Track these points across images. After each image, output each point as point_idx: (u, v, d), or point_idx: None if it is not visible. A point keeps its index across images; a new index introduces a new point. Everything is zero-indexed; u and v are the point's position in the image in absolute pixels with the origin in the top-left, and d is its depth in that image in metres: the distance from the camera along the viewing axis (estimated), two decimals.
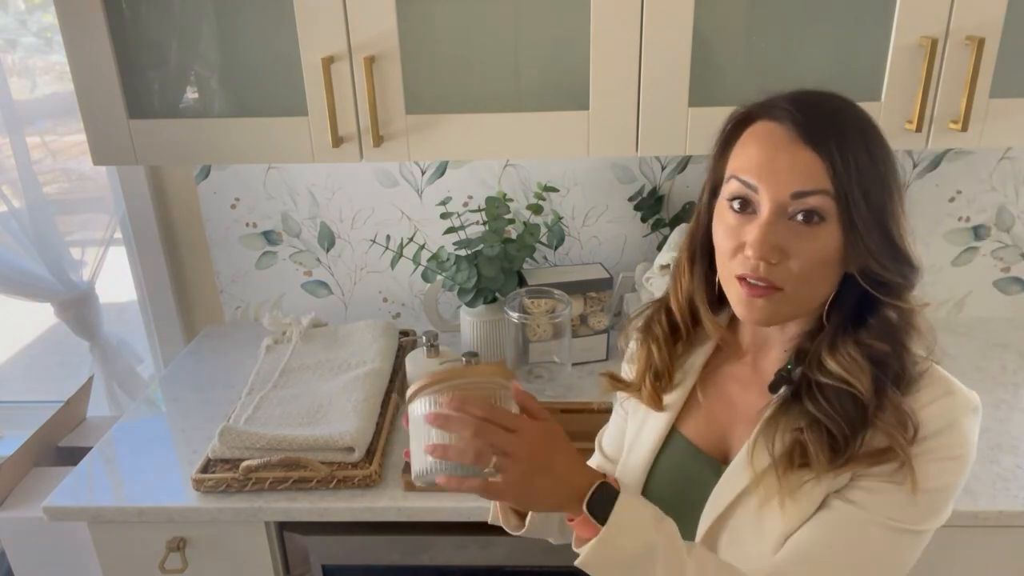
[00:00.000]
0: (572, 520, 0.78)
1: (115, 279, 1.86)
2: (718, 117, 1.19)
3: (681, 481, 0.89)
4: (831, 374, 0.78)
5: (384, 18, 1.18)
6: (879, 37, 1.16)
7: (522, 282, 1.56)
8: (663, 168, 1.63)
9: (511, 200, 1.59)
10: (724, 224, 0.80)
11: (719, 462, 0.87)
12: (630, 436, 0.96)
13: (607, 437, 1.06)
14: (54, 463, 1.73)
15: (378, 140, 1.23)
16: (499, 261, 1.47)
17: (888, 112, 1.19)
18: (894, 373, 0.77)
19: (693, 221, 0.89)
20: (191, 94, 1.28)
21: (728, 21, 1.18)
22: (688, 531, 0.85)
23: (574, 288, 1.54)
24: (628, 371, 1.00)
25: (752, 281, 0.77)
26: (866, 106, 1.17)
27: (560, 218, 1.66)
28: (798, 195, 0.74)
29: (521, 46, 1.22)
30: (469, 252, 1.52)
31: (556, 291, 1.48)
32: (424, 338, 1.47)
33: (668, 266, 1.45)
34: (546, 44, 1.21)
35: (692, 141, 1.22)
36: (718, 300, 0.87)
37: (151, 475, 1.30)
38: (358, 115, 1.23)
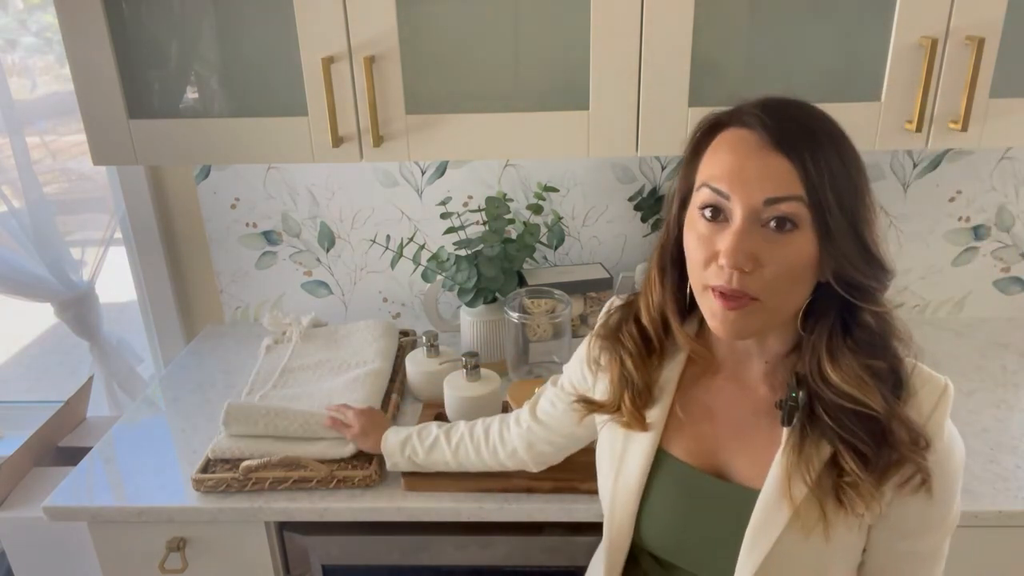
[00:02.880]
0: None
1: (115, 279, 1.86)
2: None
3: (683, 501, 0.88)
4: (841, 392, 0.78)
5: (384, 18, 1.18)
6: (879, 37, 1.16)
7: (522, 282, 1.56)
8: (663, 168, 1.63)
9: (511, 200, 1.59)
10: (696, 233, 0.78)
11: (715, 477, 0.86)
12: (613, 457, 0.93)
13: (544, 405, 1.08)
14: (54, 463, 1.73)
15: (378, 140, 1.23)
16: (499, 261, 1.47)
17: (888, 112, 1.19)
18: (891, 385, 0.79)
19: (662, 232, 0.87)
20: (191, 94, 1.28)
21: (728, 21, 1.18)
22: (712, 552, 0.86)
23: (574, 288, 1.54)
24: (583, 374, 0.99)
25: (727, 293, 0.76)
26: (866, 106, 1.19)
27: (560, 218, 1.66)
28: (771, 201, 0.73)
29: (521, 46, 1.22)
30: (469, 252, 1.52)
31: (556, 291, 1.48)
32: (424, 338, 1.47)
33: None
34: (546, 44, 1.21)
35: None
36: (688, 310, 0.87)
37: (151, 475, 1.30)
38: (358, 115, 1.23)
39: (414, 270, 1.68)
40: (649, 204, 1.62)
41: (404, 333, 1.69)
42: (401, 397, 1.48)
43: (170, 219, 1.75)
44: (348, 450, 1.25)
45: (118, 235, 1.79)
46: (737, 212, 0.75)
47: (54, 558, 1.65)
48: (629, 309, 0.92)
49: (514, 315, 1.44)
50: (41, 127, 1.87)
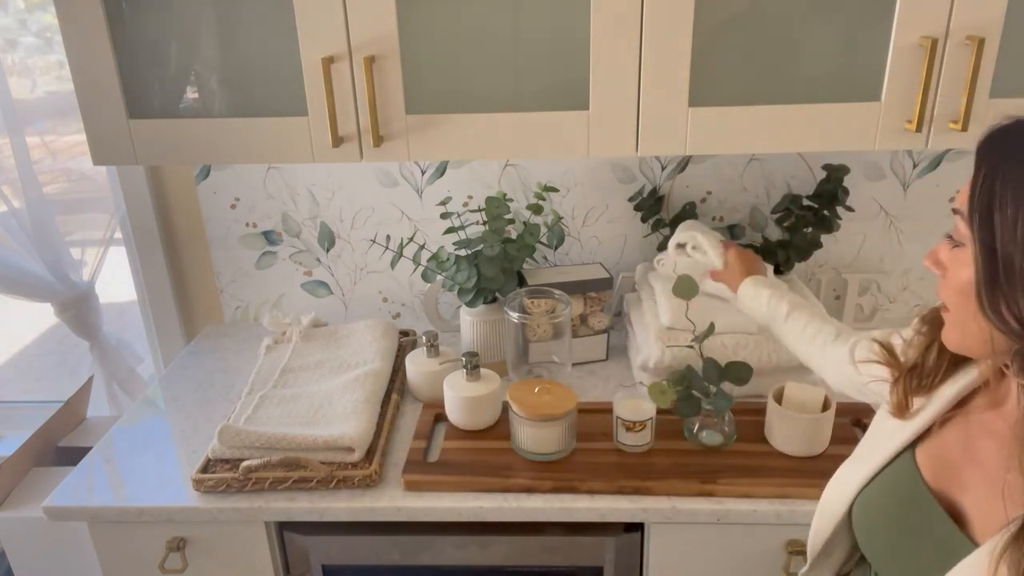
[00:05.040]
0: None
1: (115, 279, 1.86)
2: (718, 117, 1.21)
3: (898, 510, 0.82)
4: None
5: (384, 18, 1.18)
6: (879, 37, 1.16)
7: (522, 282, 1.56)
8: (663, 168, 1.63)
9: (511, 200, 1.59)
10: None
11: (941, 507, 0.78)
12: (871, 432, 0.91)
13: (863, 348, 1.03)
14: (54, 463, 1.73)
15: (378, 140, 1.23)
16: (499, 261, 1.47)
17: (888, 112, 1.19)
18: None
19: None
20: (191, 94, 1.28)
21: (728, 21, 1.18)
22: (900, 570, 0.81)
23: (574, 288, 1.54)
24: (897, 338, 0.93)
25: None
26: (866, 106, 1.19)
27: (560, 218, 1.66)
28: (953, 211, 0.72)
29: (521, 46, 1.22)
30: (469, 252, 1.51)
31: (556, 291, 1.48)
32: (424, 338, 1.47)
33: (684, 245, 1.44)
34: (546, 44, 1.21)
35: (692, 141, 1.22)
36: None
37: (151, 475, 1.30)
38: (358, 115, 1.23)
39: (414, 270, 1.68)
40: (649, 204, 1.62)
41: (404, 333, 1.69)
42: (401, 397, 1.48)
43: (170, 219, 1.75)
44: (351, 456, 1.25)
45: (118, 235, 1.79)
46: None
47: (54, 558, 1.65)
48: None
49: (514, 315, 1.44)
50: (41, 127, 1.87)
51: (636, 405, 1.27)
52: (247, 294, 1.79)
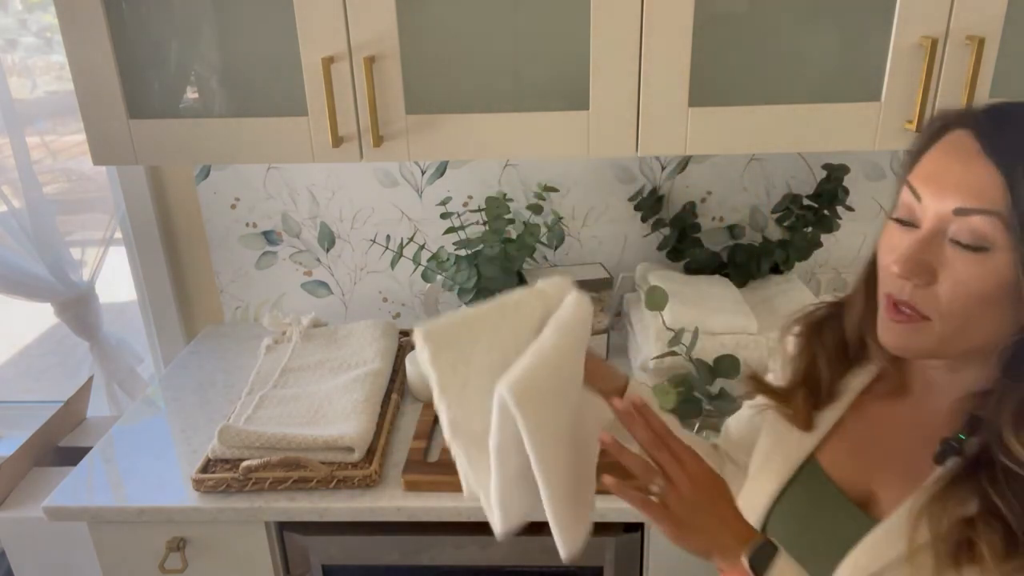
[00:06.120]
0: (723, 570, 0.75)
1: (115, 279, 1.86)
2: (718, 117, 1.21)
3: (810, 516, 0.81)
4: (1018, 461, 0.65)
5: (384, 18, 1.18)
6: (879, 37, 1.16)
7: (522, 282, 1.56)
8: (663, 168, 1.63)
9: (511, 200, 1.59)
10: (886, 237, 0.73)
11: (856, 506, 0.78)
12: (762, 453, 0.88)
13: (735, 422, 1.01)
14: (54, 463, 1.73)
15: (378, 140, 1.23)
16: (499, 261, 1.47)
17: (888, 112, 1.19)
18: None
19: (874, 241, 0.79)
20: (191, 94, 1.28)
21: (728, 21, 1.18)
22: (814, 560, 0.78)
23: None
24: (776, 369, 0.92)
25: (898, 304, 0.70)
26: (866, 106, 1.19)
27: (560, 218, 1.66)
28: (961, 212, 0.65)
29: (521, 46, 1.22)
30: (469, 252, 1.51)
31: None
32: None
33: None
34: (546, 44, 1.21)
35: (692, 141, 1.22)
36: None
37: (151, 475, 1.30)
38: (358, 115, 1.23)
39: (414, 270, 1.68)
40: (649, 204, 1.62)
41: (404, 333, 1.69)
42: (401, 397, 1.48)
43: (170, 219, 1.75)
44: (351, 456, 1.25)
45: (118, 235, 1.79)
46: (926, 218, 0.68)
47: (54, 558, 1.65)
48: (838, 308, 0.85)
49: None
50: (41, 127, 1.87)
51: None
52: (247, 294, 1.79)
